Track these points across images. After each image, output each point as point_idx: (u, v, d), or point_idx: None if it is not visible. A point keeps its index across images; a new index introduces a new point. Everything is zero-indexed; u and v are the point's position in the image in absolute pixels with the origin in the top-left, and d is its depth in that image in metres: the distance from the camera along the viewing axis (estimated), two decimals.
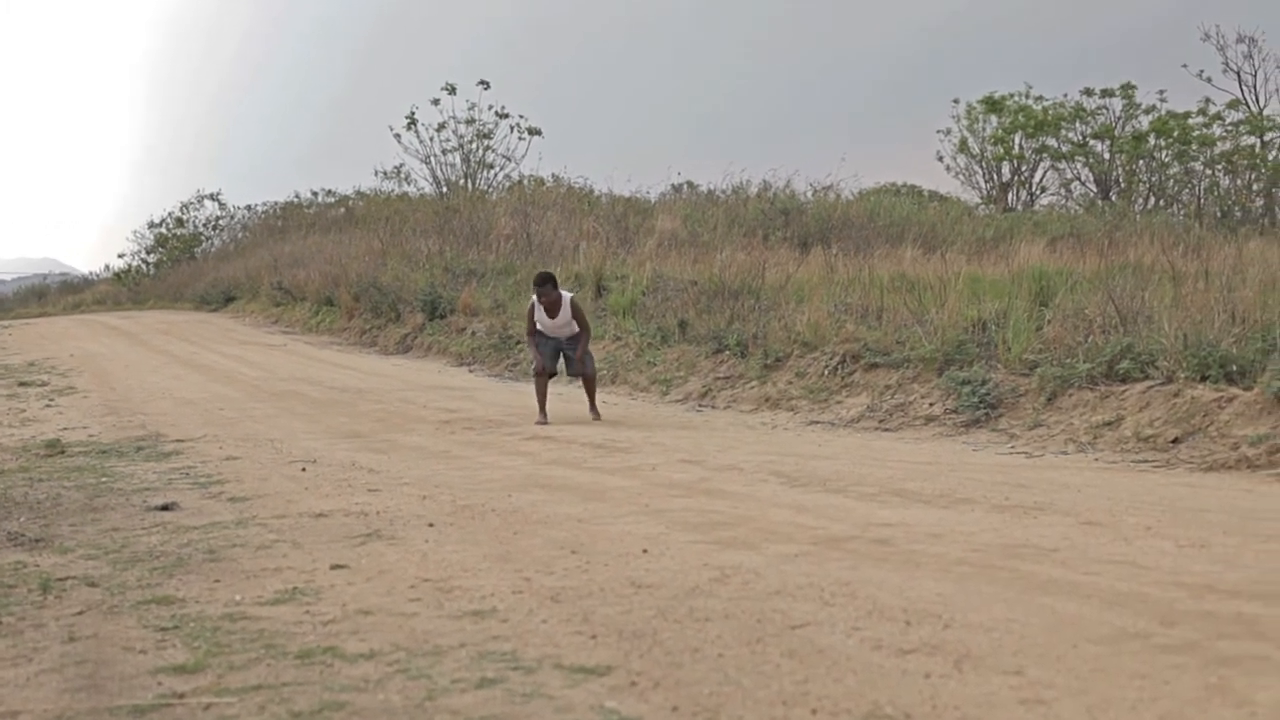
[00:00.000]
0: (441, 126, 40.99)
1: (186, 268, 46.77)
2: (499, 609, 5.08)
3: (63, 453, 10.83)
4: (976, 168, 41.68)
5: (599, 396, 13.78)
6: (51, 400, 15.56)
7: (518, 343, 20.27)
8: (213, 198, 52.80)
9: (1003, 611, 4.70)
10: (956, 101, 41.76)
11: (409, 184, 42.92)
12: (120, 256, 55.23)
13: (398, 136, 41.49)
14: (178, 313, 37.16)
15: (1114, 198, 37.14)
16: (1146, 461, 9.48)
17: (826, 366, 14.16)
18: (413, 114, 41.07)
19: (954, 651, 4.23)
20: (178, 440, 11.52)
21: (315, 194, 48.29)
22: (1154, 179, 37.46)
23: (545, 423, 12.70)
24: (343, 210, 43.53)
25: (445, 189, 40.85)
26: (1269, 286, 12.50)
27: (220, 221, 52.51)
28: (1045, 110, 40.01)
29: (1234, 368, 10.33)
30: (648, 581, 5.46)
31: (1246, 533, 6.22)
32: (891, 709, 3.72)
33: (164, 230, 52.58)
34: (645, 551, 6.13)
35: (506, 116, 40.94)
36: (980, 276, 17.44)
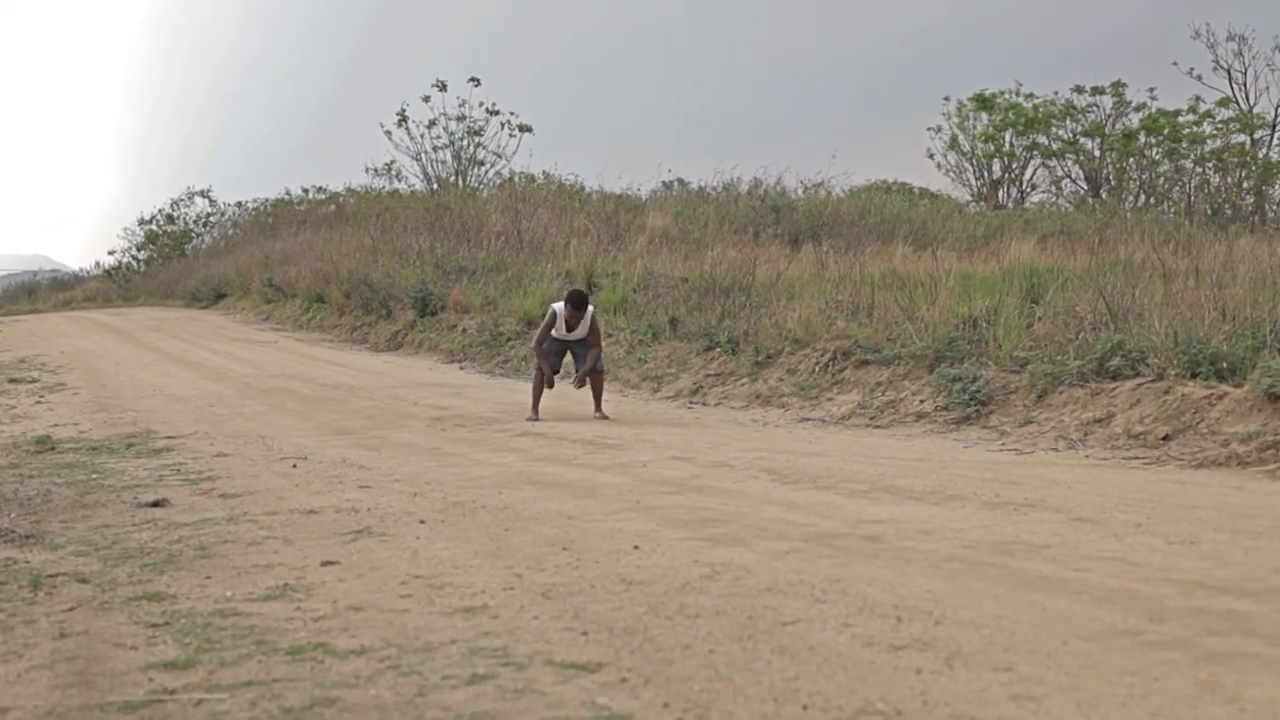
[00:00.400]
0: (432, 123, 40.96)
1: (177, 265, 46.70)
2: (490, 605, 5.09)
3: (53, 449, 10.81)
4: (967, 165, 41.70)
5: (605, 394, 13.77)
6: (42, 397, 15.54)
7: (509, 340, 20.27)
8: (203, 194, 52.75)
9: (993, 608, 4.71)
10: (947, 99, 41.81)
11: (400, 181, 42.92)
12: (111, 253, 55.03)
13: (388, 133, 41.46)
14: (168, 310, 37.11)
15: (1104, 195, 37.16)
16: (1137, 458, 9.49)
17: (817, 363, 14.17)
18: (403, 111, 41.05)
19: (945, 648, 4.24)
20: (168, 437, 11.51)
21: (306, 191, 48.27)
22: (1144, 176, 37.47)
23: (536, 419, 12.70)
24: (333, 207, 43.45)
25: (436, 186, 40.82)
26: (1259, 284, 12.50)
27: (211, 218, 52.45)
28: (1036, 108, 40.02)
29: (1224, 365, 10.35)
30: (639, 578, 5.46)
31: (1236, 529, 6.23)
32: (882, 705, 3.73)
33: (155, 227, 52.52)
34: (636, 548, 6.14)
35: (497, 113, 40.92)
36: (971, 274, 17.44)
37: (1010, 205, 39.30)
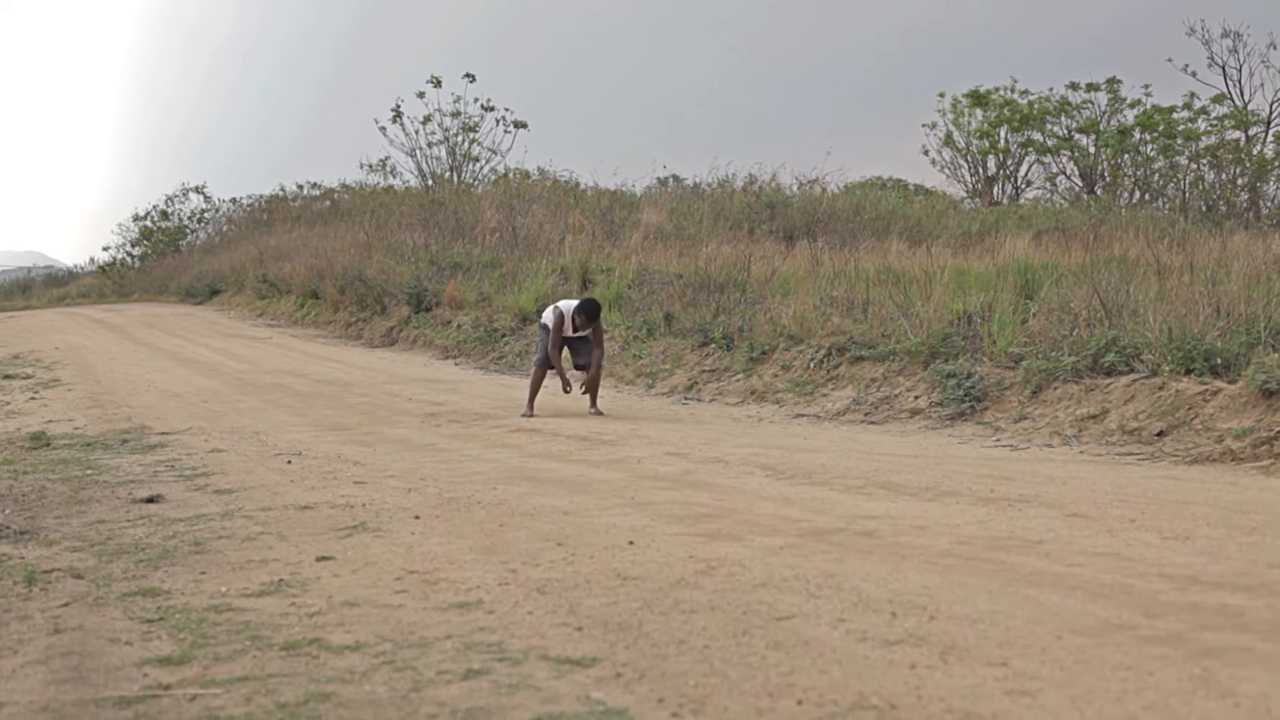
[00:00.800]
0: (427, 119, 41.05)
1: (171, 261, 46.74)
2: (485, 601, 5.09)
3: (48, 445, 10.81)
4: (962, 161, 41.80)
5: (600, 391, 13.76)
6: (36, 393, 15.53)
7: (503, 336, 20.29)
8: (198, 190, 52.86)
9: (988, 603, 4.71)
10: (942, 95, 41.93)
11: (394, 177, 43.04)
12: (105, 249, 55.17)
13: (383, 129, 41.57)
14: (163, 306, 37.10)
15: (1099, 192, 37.22)
16: (1131, 454, 9.50)
17: (812, 359, 14.17)
18: (398, 107, 41.11)
19: (939, 643, 4.24)
20: (163, 433, 11.50)
21: (300, 187, 48.31)
22: (1139, 173, 37.51)
23: (531, 415, 12.70)
24: (328, 203, 43.49)
25: (431, 182, 40.89)
26: (1253, 280, 12.52)
27: (205, 214, 52.55)
28: (1030, 104, 40.11)
29: (1219, 361, 10.35)
30: (633, 573, 5.46)
31: (1230, 525, 6.24)
32: (877, 700, 3.73)
33: (149, 223, 52.60)
34: (631, 544, 6.14)
35: (492, 109, 41.04)
36: (966, 270, 17.48)
37: (1005, 201, 39.39)
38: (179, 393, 15.27)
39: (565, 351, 13.49)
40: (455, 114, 40.95)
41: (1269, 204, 33.45)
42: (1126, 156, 37.87)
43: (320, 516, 7.21)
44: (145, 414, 13.06)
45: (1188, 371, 10.38)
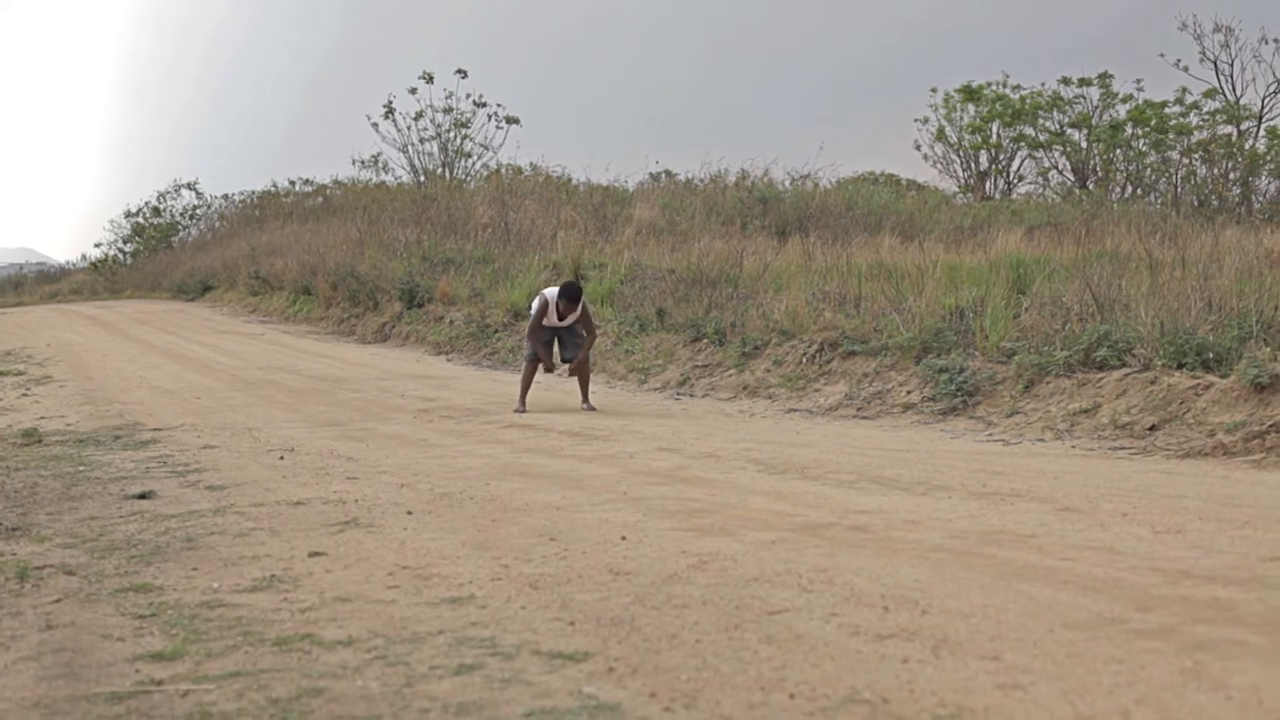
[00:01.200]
0: (419, 115, 41.01)
1: (163, 257, 46.73)
2: (477, 596, 5.09)
3: (40, 442, 10.80)
4: (954, 156, 41.80)
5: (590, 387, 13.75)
6: (28, 390, 15.51)
7: (496, 331, 20.28)
8: (190, 187, 52.84)
9: (980, 597, 4.72)
10: (934, 90, 41.89)
11: (387, 173, 42.97)
12: (97, 246, 55.28)
13: (375, 125, 41.60)
14: (155, 302, 37.07)
15: (1091, 186, 37.23)
16: (1123, 449, 9.51)
17: (804, 354, 14.18)
18: (390, 103, 41.06)
19: (931, 637, 4.24)
20: (155, 429, 11.50)
21: (293, 183, 48.30)
22: (1131, 168, 37.52)
23: (524, 411, 12.70)
24: (320, 199, 43.48)
25: (423, 178, 40.85)
26: (1245, 274, 12.53)
27: (197, 211, 52.54)
28: (1023, 99, 40.11)
29: (1210, 355, 10.37)
30: (626, 568, 5.46)
31: (1222, 519, 6.25)
32: (869, 694, 3.73)
33: (141, 220, 52.59)
34: (623, 539, 6.14)
35: (484, 105, 40.99)
36: (958, 265, 17.48)
37: (997, 196, 39.39)
38: (171, 389, 15.26)
39: (555, 346, 13.46)
40: (447, 110, 40.93)
41: (1261, 198, 33.50)
42: (1119, 151, 37.88)
43: (312, 512, 7.21)
44: (137, 410, 13.05)
45: (1180, 366, 10.40)
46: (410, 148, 41.57)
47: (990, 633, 4.26)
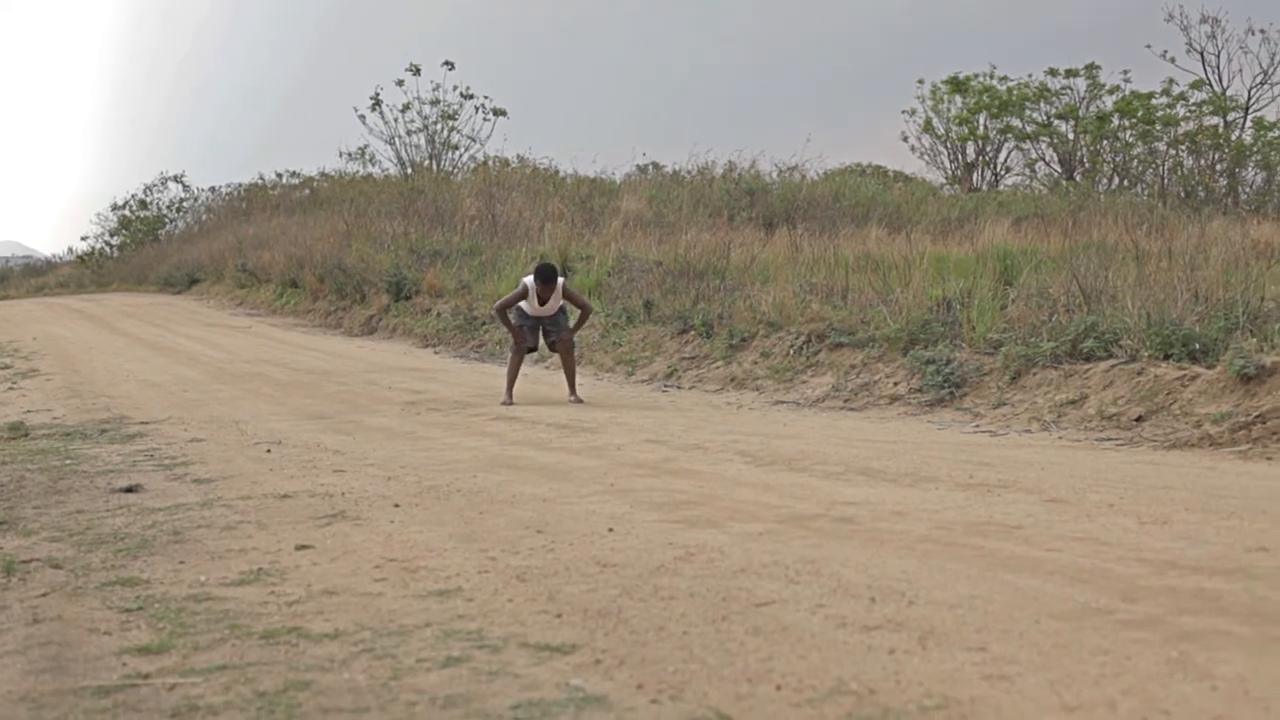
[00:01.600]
0: (406, 107, 40.96)
1: (150, 250, 46.67)
2: (464, 588, 5.08)
3: (26, 435, 10.77)
4: (941, 148, 41.85)
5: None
6: (14, 383, 15.48)
7: (483, 324, 20.25)
8: (176, 179, 52.80)
9: (966, 588, 4.73)
10: (921, 82, 41.93)
11: (374, 165, 42.92)
12: (84, 239, 55.13)
13: (362, 117, 41.45)
14: (142, 295, 37.02)
15: (1078, 178, 37.27)
16: (1110, 439, 9.53)
17: (792, 346, 14.19)
18: (377, 95, 41.01)
19: (918, 628, 4.25)
20: (142, 422, 11.48)
21: (280, 175, 48.20)
22: (1118, 159, 37.58)
23: (511, 403, 12.69)
24: (307, 191, 43.40)
25: (410, 170, 40.80)
26: (1231, 265, 12.56)
27: (184, 203, 52.49)
28: (1010, 91, 40.15)
29: (1197, 346, 10.39)
30: (613, 560, 5.46)
31: (1208, 509, 6.26)
32: (856, 685, 3.73)
33: (127, 212, 52.51)
34: (610, 531, 6.14)
35: (471, 97, 40.94)
36: (945, 256, 17.52)
37: (984, 188, 39.46)
38: (158, 382, 15.23)
39: (540, 337, 13.44)
40: (434, 102, 40.88)
41: (1247, 189, 33.61)
42: (1105, 142, 37.94)
43: (299, 505, 7.20)
44: (124, 403, 13.03)
45: (1166, 357, 10.42)
46: (397, 140, 41.53)
47: (977, 623, 4.27)
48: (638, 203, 28.75)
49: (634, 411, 12.12)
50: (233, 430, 10.87)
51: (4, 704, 3.91)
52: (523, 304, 13.17)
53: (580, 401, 12.95)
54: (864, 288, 15.20)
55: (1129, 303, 11.46)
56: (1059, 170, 39.26)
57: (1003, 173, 41.54)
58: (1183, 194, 31.81)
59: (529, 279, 13.12)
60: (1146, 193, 33.71)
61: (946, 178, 41.15)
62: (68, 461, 9.25)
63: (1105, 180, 36.89)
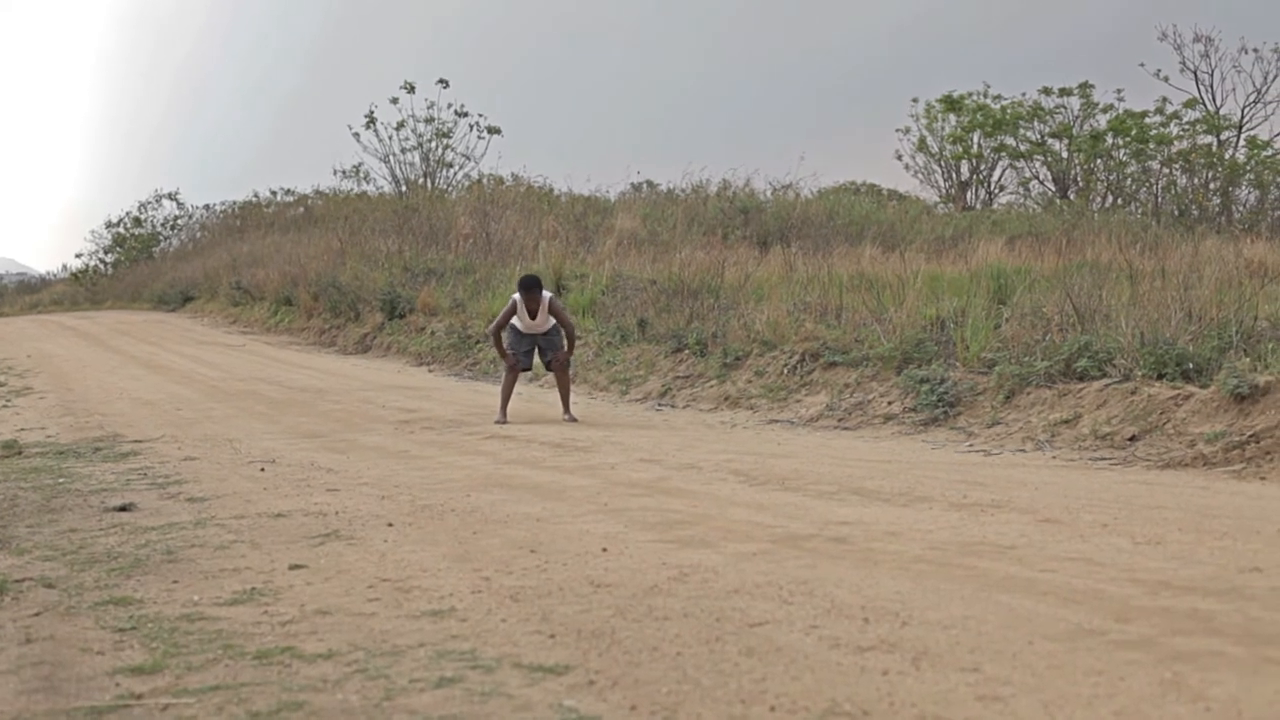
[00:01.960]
0: (400, 125, 40.98)
1: (144, 268, 46.63)
2: (458, 608, 5.08)
3: (19, 454, 10.76)
4: (935, 166, 41.92)
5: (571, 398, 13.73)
6: (8, 401, 15.47)
7: (477, 342, 20.24)
8: (171, 197, 52.78)
9: (960, 609, 4.72)
10: (915, 100, 42.06)
11: (368, 183, 42.91)
12: (78, 256, 55.25)
13: (357, 135, 41.45)
14: (136, 313, 36.98)
15: (1072, 196, 37.35)
16: (1104, 459, 9.53)
17: (785, 365, 14.20)
18: (372, 113, 41.04)
19: (911, 649, 4.25)
20: (136, 441, 11.47)
21: (274, 193, 48.18)
22: (1112, 178, 37.68)
23: (505, 422, 12.69)
24: (301, 209, 43.37)
25: (404, 188, 40.81)
26: (1225, 285, 12.60)
27: (178, 221, 52.47)
28: (1003, 109, 40.24)
29: (1190, 366, 10.41)
30: (606, 580, 5.46)
31: (1202, 529, 6.26)
32: (849, 706, 3.73)
33: (122, 230, 52.54)
34: (604, 550, 6.13)
35: (466, 115, 40.96)
36: (939, 275, 17.52)
37: (978, 206, 39.50)
38: (152, 400, 15.22)
39: (536, 356, 13.46)
40: (429, 120, 40.91)
41: (1241, 208, 33.70)
42: (1099, 161, 38.04)
43: (293, 524, 7.20)
44: (118, 422, 13.02)
45: (1160, 376, 10.43)
46: (392, 158, 41.54)
47: (970, 644, 4.27)
48: (632, 221, 28.78)
49: (628, 430, 12.12)
50: (226, 449, 10.86)
51: None
52: (516, 322, 13.20)
53: (574, 420, 12.96)
54: (858, 307, 15.21)
55: (1123, 322, 11.48)
56: (1053, 189, 39.34)
57: (997, 191, 41.63)
58: (1176, 213, 31.89)
59: (517, 295, 13.16)
60: (1140, 212, 33.78)
61: (940, 196, 41.23)
62: (61, 480, 9.24)
63: (1099, 199, 36.97)
